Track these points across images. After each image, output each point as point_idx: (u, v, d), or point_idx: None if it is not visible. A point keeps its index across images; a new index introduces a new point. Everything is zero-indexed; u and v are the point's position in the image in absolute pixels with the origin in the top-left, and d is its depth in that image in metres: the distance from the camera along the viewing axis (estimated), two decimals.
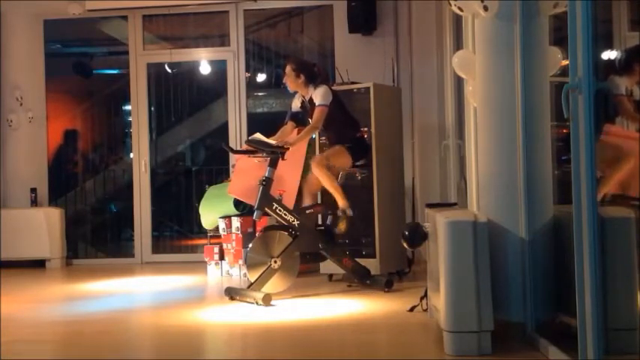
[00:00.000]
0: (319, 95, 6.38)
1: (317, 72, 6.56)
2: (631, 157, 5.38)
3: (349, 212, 6.43)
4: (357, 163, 6.74)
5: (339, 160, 6.52)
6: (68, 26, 10.00)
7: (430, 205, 5.13)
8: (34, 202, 9.41)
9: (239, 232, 7.79)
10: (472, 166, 5.41)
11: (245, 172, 6.89)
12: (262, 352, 4.77)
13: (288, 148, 6.18)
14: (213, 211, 8.11)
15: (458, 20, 6.22)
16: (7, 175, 9.56)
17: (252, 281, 6.19)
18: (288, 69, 6.53)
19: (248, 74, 9.67)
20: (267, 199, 6.22)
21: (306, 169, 6.63)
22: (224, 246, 8.02)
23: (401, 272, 7.17)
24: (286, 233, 6.30)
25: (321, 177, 6.39)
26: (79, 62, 10.84)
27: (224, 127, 9.65)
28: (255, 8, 9.56)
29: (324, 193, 6.70)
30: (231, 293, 6.31)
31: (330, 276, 7.22)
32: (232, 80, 9.50)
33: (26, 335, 5.28)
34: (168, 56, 9.63)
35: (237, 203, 7.70)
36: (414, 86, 8.76)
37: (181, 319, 5.72)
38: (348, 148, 6.53)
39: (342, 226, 6.46)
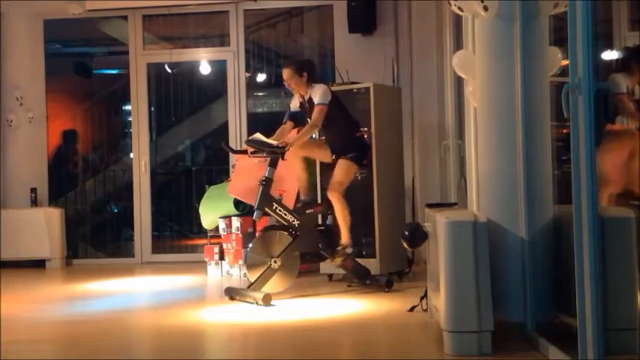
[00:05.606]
0: (318, 94, 6.35)
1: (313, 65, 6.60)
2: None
3: (349, 250, 6.42)
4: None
5: (349, 176, 6.45)
6: (68, 26, 9.98)
7: (430, 205, 5.13)
8: (34, 202, 9.40)
9: (239, 232, 7.79)
10: (472, 166, 5.40)
11: (245, 172, 6.90)
12: (262, 352, 4.78)
13: (288, 149, 6.18)
14: (213, 211, 8.10)
15: (458, 20, 6.21)
16: (7, 175, 9.54)
17: (252, 281, 6.19)
18: (289, 72, 6.42)
19: (248, 74, 9.66)
20: (267, 199, 6.21)
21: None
22: (224, 246, 8.01)
23: (401, 272, 7.16)
24: (286, 233, 6.29)
25: (336, 205, 6.34)
26: (79, 62, 10.83)
27: (224, 127, 9.64)
28: (255, 8, 9.55)
29: (324, 194, 6.69)
30: (231, 293, 6.31)
31: (330, 276, 7.22)
32: (232, 80, 9.49)
33: (26, 335, 5.29)
34: (168, 56, 9.62)
35: (237, 203, 7.70)
36: (414, 86, 8.74)
37: (181, 319, 5.72)
38: (352, 158, 6.42)
39: (338, 261, 6.46)
